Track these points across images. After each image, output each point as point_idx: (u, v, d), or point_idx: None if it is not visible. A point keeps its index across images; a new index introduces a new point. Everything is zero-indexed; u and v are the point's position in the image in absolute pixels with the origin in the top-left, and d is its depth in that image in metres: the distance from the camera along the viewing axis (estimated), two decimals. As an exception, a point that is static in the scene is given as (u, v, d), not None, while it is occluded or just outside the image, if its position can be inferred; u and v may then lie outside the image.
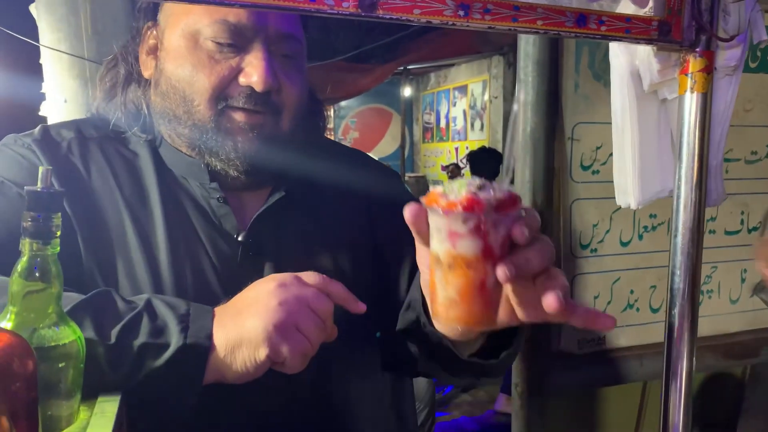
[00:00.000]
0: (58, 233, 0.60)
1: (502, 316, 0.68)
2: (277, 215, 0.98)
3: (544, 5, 0.82)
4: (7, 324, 0.58)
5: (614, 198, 2.31)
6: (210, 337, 0.76)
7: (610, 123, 2.27)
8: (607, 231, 2.29)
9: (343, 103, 9.76)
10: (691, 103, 0.88)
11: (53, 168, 0.90)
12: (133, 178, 0.96)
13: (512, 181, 0.69)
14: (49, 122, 3.29)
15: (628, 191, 1.01)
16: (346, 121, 10.28)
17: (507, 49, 7.43)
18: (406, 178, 8.50)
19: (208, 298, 0.87)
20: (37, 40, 3.10)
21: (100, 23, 3.15)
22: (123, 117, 0.99)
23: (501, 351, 0.85)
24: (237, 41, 0.90)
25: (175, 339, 0.74)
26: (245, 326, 0.76)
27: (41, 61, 3.22)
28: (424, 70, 9.44)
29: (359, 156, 1.20)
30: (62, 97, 3.25)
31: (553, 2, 0.84)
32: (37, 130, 0.99)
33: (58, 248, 0.60)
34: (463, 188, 0.63)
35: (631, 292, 2.32)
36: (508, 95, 8.11)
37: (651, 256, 2.36)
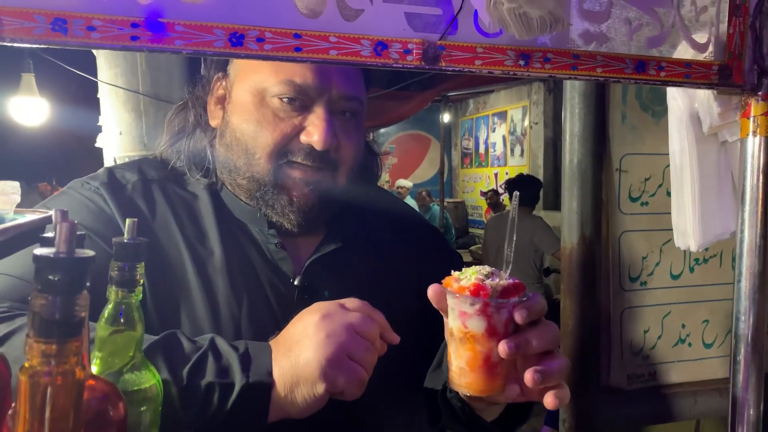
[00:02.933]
0: (142, 281, 0.63)
1: (509, 392, 0.77)
2: (330, 260, 1.02)
3: (604, 53, 0.83)
4: (93, 368, 0.60)
5: (664, 230, 2.27)
6: (270, 374, 0.78)
7: (659, 154, 2.25)
8: (657, 263, 2.24)
9: (381, 130, 9.85)
10: (753, 146, 0.87)
11: (119, 211, 0.95)
12: (193, 219, 1.00)
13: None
14: (105, 153, 3.41)
15: (687, 233, 1.00)
16: (384, 147, 10.36)
17: (547, 75, 7.35)
18: (445, 204, 8.49)
19: (265, 338, 0.89)
20: (95, 76, 3.25)
21: (155, 59, 3.28)
22: (186, 161, 1.03)
23: (517, 423, 0.92)
24: (301, 100, 0.95)
25: (238, 378, 0.76)
26: (299, 363, 0.77)
27: (99, 96, 3.37)
28: (463, 96, 9.47)
29: (405, 207, 1.29)
30: (117, 129, 3.38)
31: (611, 49, 0.85)
32: (101, 172, 1.04)
33: (141, 296, 0.63)
34: (473, 275, 0.76)
35: (683, 326, 2.26)
36: (549, 121, 8.07)
37: (703, 289, 2.29)
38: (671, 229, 2.24)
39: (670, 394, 2.28)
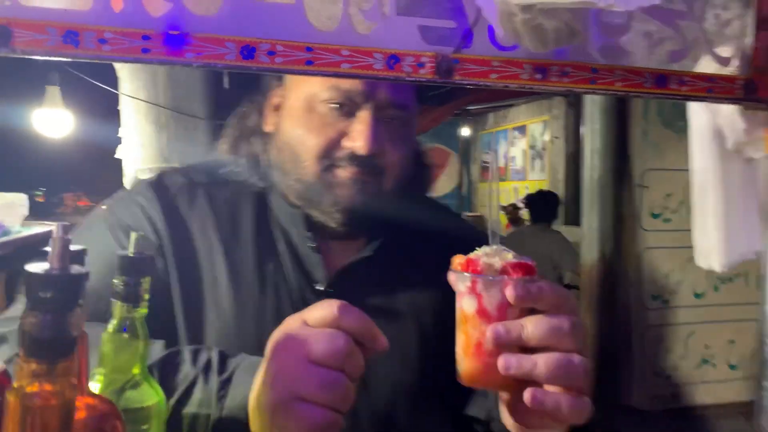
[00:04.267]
0: (146, 296, 0.62)
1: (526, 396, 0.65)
2: (363, 269, 1.01)
3: (623, 67, 0.81)
4: (96, 385, 0.59)
5: (687, 247, 2.22)
6: (245, 407, 0.72)
7: (681, 170, 2.21)
8: (680, 282, 2.19)
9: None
10: (780, 163, 0.84)
11: (162, 212, 0.99)
12: (233, 223, 1.02)
13: (501, 240, 0.74)
14: (125, 165, 3.45)
15: (711, 254, 0.96)
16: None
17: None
18: (464, 218, 8.42)
19: None
20: (116, 88, 3.29)
21: (176, 72, 3.32)
22: (242, 165, 1.06)
23: None
24: (347, 106, 0.95)
25: (214, 410, 0.74)
26: (259, 405, 0.70)
27: (119, 107, 3.42)
28: (483, 110, 9.45)
29: (456, 219, 1.23)
30: (138, 140, 3.42)
31: (630, 63, 0.82)
32: (156, 175, 1.08)
33: (146, 310, 0.62)
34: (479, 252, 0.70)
35: (707, 346, 2.21)
36: (570, 135, 8.00)
37: (728, 308, 2.23)
38: (694, 247, 2.19)
39: (695, 416, 2.21)
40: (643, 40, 0.81)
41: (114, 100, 3.36)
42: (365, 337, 0.68)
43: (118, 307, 0.61)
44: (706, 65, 0.86)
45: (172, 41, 0.67)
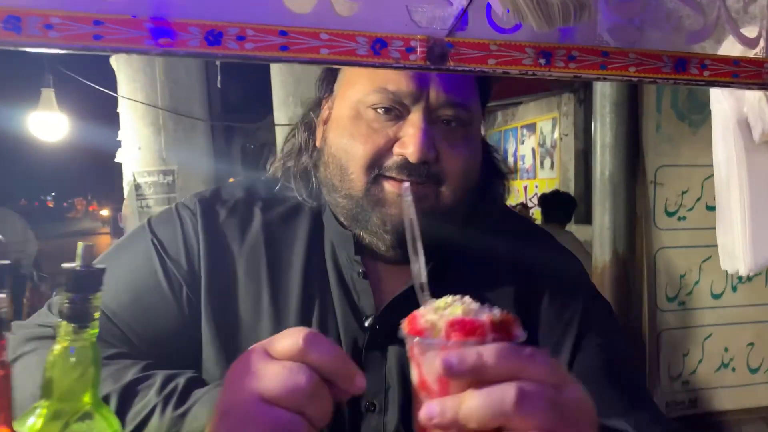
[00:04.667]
0: (97, 315, 0.54)
1: None
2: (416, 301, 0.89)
3: (637, 50, 0.73)
4: (38, 421, 0.52)
5: (703, 246, 2.13)
6: None
7: (697, 166, 2.11)
8: (696, 282, 2.09)
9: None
10: (814, 155, 0.76)
11: (205, 232, 0.91)
12: (284, 244, 0.94)
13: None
14: (124, 168, 3.40)
15: (736, 255, 0.88)
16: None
17: (578, 86, 7.24)
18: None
19: None
20: (116, 91, 3.24)
21: (174, 72, 3.27)
22: (294, 182, 0.97)
23: None
24: (396, 110, 0.86)
25: None
26: None
27: (118, 110, 3.37)
28: (491, 108, 9.36)
29: (538, 236, 1.06)
30: (137, 144, 3.36)
31: (645, 45, 0.74)
32: (209, 191, 1.00)
33: (97, 330, 0.55)
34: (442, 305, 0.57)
35: (726, 350, 2.11)
36: (580, 133, 7.89)
37: (747, 310, 2.13)
38: (711, 246, 2.09)
39: (713, 422, 2.12)
40: (659, 19, 0.73)
41: (113, 103, 3.31)
42: (338, 374, 0.58)
43: (63, 328, 0.53)
44: (730, 47, 0.77)
45: (126, 27, 0.60)
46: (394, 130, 0.86)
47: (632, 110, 2.06)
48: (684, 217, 2.12)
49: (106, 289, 0.92)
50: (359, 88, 0.88)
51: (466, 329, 0.53)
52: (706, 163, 2.12)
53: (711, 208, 2.14)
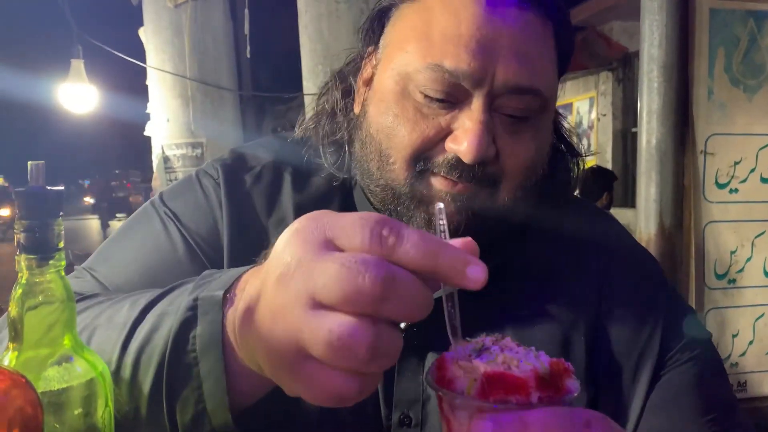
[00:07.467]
0: (61, 244, 0.47)
1: None
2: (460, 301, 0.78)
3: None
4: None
5: (757, 221, 2.00)
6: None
7: (753, 134, 1.97)
8: (749, 259, 1.97)
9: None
10: None
11: (229, 200, 0.82)
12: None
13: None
14: (153, 141, 3.38)
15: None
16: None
17: (616, 64, 7.01)
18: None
19: None
20: (144, 62, 3.21)
21: (202, 43, 3.22)
22: (322, 150, 0.86)
23: None
24: (452, 94, 0.72)
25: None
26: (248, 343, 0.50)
27: (147, 83, 3.34)
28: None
29: (613, 233, 0.91)
30: (165, 116, 3.34)
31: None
32: (231, 155, 0.90)
33: (64, 262, 0.47)
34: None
35: (780, 331, 1.99)
36: (618, 113, 7.67)
37: (803, 289, 2.01)
38: (765, 221, 1.95)
39: (764, 407, 1.99)
40: None
41: (142, 75, 3.29)
42: (435, 269, 0.44)
43: (23, 262, 0.46)
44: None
45: None
46: (447, 120, 0.72)
47: (682, 75, 1.93)
48: (736, 189, 1.99)
49: (110, 267, 0.83)
50: (409, 58, 0.73)
51: (506, 386, 0.42)
52: (762, 132, 2.00)
53: (766, 180, 2.01)
